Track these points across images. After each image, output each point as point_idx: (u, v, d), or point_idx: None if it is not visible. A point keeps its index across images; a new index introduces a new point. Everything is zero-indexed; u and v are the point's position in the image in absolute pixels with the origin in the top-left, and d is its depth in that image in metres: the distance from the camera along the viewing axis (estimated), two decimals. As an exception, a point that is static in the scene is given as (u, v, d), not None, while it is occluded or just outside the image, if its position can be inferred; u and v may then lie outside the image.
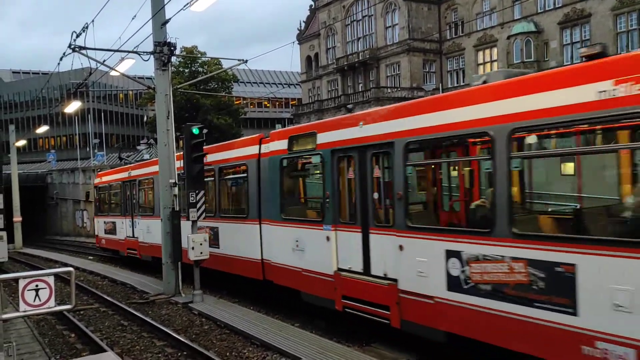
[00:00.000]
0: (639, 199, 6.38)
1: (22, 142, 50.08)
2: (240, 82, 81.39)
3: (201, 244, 13.43)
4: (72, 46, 14.01)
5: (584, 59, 6.42)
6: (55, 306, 6.06)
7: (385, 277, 8.81)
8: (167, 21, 14.54)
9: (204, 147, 13.72)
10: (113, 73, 17.74)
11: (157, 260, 16.99)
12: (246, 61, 17.55)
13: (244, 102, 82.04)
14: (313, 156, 10.89)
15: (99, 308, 14.16)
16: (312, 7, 60.89)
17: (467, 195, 8.90)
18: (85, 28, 13.90)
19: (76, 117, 72.60)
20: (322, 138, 10.31)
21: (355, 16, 53.55)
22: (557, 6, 40.41)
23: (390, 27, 50.51)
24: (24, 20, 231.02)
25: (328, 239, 10.02)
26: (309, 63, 61.55)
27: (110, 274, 19.38)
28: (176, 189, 14.78)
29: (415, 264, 8.13)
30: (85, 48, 14.15)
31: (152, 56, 14.68)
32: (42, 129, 56.33)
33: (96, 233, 26.49)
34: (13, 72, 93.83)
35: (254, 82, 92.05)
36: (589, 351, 5.87)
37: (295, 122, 60.24)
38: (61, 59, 14.99)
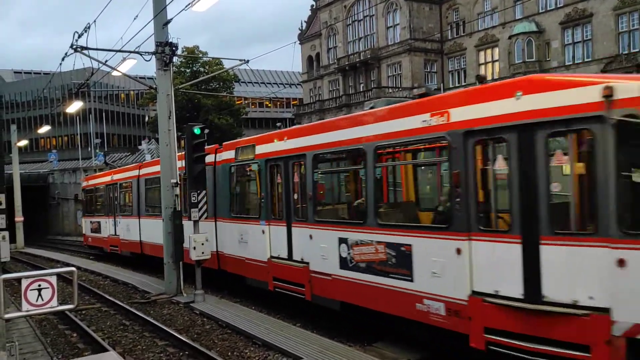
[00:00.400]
0: (444, 198, 8.90)
1: (23, 142, 50.15)
2: (242, 82, 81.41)
3: (203, 244, 13.46)
4: (74, 46, 14.04)
5: (416, 97, 9.02)
6: (57, 306, 6.06)
7: (301, 261, 11.05)
8: (168, 21, 14.56)
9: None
10: (115, 73, 17.77)
11: (136, 256, 20.87)
12: (247, 61, 17.56)
13: (245, 102, 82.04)
14: (253, 164, 12.95)
15: (100, 308, 14.18)
16: (313, 7, 60.87)
17: (351, 195, 11.21)
18: (87, 28, 13.93)
19: (78, 117, 72.64)
20: (260, 149, 12.56)
21: (357, 16, 53.54)
22: (558, 6, 40.36)
23: (391, 27, 50.49)
24: (25, 20, 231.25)
25: (263, 232, 12.07)
26: (310, 63, 61.53)
27: (112, 274, 19.42)
28: (177, 189, 14.81)
29: (320, 249, 10.48)
30: (87, 48, 14.17)
31: (153, 56, 14.71)
32: (44, 129, 56.34)
33: (84, 232, 28.81)
34: (15, 72, 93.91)
35: (255, 82, 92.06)
36: (420, 307, 8.13)
37: (297, 122, 60.24)
38: (63, 59, 15.03)
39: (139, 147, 65.59)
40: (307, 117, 57.86)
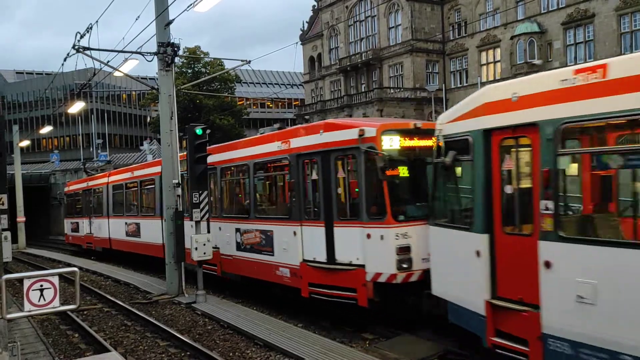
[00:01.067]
0: (289, 198, 12.07)
1: (25, 143, 50.20)
2: (243, 82, 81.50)
3: (204, 245, 13.45)
4: (76, 47, 14.04)
5: (275, 130, 13.25)
6: (59, 306, 6.06)
7: (215, 247, 14.28)
8: (170, 22, 14.57)
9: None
10: (117, 74, 17.78)
11: (106, 251, 25.19)
12: (249, 62, 17.56)
13: (247, 102, 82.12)
14: (213, 169, 15.04)
15: (102, 308, 14.19)
16: (315, 7, 60.90)
17: (244, 197, 14.53)
18: (89, 29, 13.94)
19: (79, 118, 72.84)
20: (215, 158, 14.74)
21: (358, 17, 53.54)
22: (560, 6, 40.33)
23: (393, 27, 50.49)
24: (28, 21, 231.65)
25: (192, 226, 14.06)
26: (312, 63, 61.56)
27: (114, 274, 19.43)
28: (179, 190, 14.82)
29: (226, 237, 14.42)
30: (89, 49, 14.18)
31: (155, 57, 14.71)
32: (46, 130, 56.46)
33: (65, 232, 32.88)
34: (17, 73, 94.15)
35: (256, 83, 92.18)
36: (278, 272, 12.16)
37: (298, 123, 60.27)
38: (65, 59, 15.04)
39: (141, 147, 65.67)
40: (309, 117, 57.87)
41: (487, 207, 7.24)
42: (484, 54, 46.15)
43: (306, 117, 55.43)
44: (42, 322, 12.53)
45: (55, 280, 5.97)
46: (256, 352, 9.60)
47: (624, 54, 36.04)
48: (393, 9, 50.14)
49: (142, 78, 35.82)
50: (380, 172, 9.51)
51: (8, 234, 10.77)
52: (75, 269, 6.54)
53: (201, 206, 13.63)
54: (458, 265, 7.88)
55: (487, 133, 7.24)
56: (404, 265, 9.41)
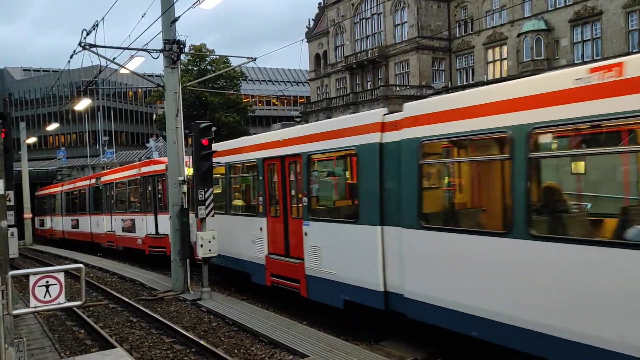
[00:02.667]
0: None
1: (32, 140, 50.39)
2: (249, 80, 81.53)
3: (210, 242, 13.47)
4: (83, 44, 14.08)
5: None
6: (65, 302, 6.07)
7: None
8: (176, 19, 14.58)
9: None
10: (123, 71, 17.82)
11: (61, 240, 34.36)
12: (255, 59, 17.56)
13: (252, 100, 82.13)
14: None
15: (108, 304, 14.23)
16: (321, 5, 60.82)
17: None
18: (95, 26, 13.96)
19: (86, 115, 73.03)
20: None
21: (364, 14, 53.43)
22: (567, 4, 40.11)
23: (399, 25, 50.36)
24: (38, 20, 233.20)
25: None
26: (318, 61, 61.50)
27: (119, 271, 19.49)
28: (185, 187, 14.84)
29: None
30: (95, 46, 14.21)
31: (161, 54, 14.72)
32: (53, 127, 56.68)
33: (36, 227, 40.73)
34: (24, 70, 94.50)
35: (262, 80, 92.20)
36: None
37: (303, 121, 60.24)
38: (71, 56, 15.08)
39: (147, 144, 65.86)
40: (314, 115, 57.83)
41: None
42: (490, 51, 45.97)
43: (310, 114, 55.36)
44: (48, 318, 12.59)
45: (61, 276, 5.98)
46: (261, 349, 9.62)
47: (631, 52, 35.83)
48: (399, 6, 50.00)
49: (148, 75, 35.87)
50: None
51: (15, 230, 10.80)
52: (81, 265, 6.55)
53: (206, 203, 13.65)
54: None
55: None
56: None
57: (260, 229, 12.85)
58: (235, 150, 14.35)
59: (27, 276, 6.14)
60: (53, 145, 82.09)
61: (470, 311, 7.29)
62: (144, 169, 21.13)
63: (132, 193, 22.42)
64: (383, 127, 9.04)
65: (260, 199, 12.96)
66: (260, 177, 12.90)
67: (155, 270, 18.96)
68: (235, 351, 9.59)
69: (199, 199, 13.59)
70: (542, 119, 6.45)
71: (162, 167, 19.00)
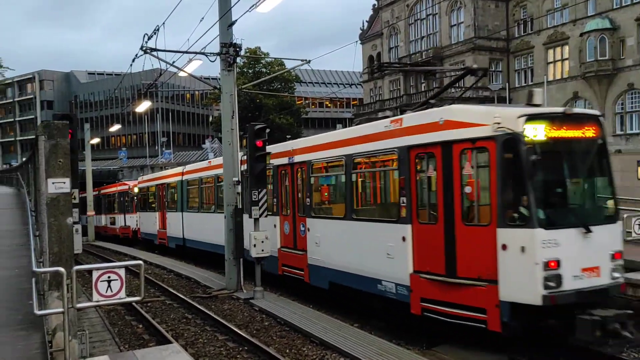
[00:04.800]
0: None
1: (96, 140, 52.59)
2: (303, 82, 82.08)
3: (262, 242, 13.64)
4: (144, 48, 14.56)
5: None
6: (125, 297, 6.29)
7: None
8: (233, 23, 14.85)
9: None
10: (181, 74, 18.32)
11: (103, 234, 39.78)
12: (309, 61, 17.67)
13: (306, 102, 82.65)
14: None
15: (164, 301, 14.64)
16: (375, 6, 60.54)
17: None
18: (156, 30, 14.41)
19: (146, 117, 75.58)
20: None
21: (419, 15, 52.78)
22: (634, 2, 38.22)
23: (455, 25, 49.45)
24: (107, 26, 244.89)
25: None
26: (371, 63, 61.22)
27: (176, 268, 20.03)
28: (239, 187, 15.09)
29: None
30: (156, 50, 14.68)
31: (218, 57, 15.04)
32: (115, 128, 58.90)
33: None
34: (89, 74, 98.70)
35: (315, 82, 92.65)
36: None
37: (356, 123, 60.10)
38: (133, 60, 15.61)
39: (203, 145, 67.44)
40: (367, 117, 57.61)
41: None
42: (550, 51, 44.40)
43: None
44: (108, 312, 13.07)
45: (122, 272, 6.20)
46: (312, 350, 9.64)
47: None
48: (455, 6, 49.09)
49: (205, 78, 36.70)
50: None
51: (79, 226, 11.30)
52: (140, 262, 6.77)
53: (260, 204, 13.82)
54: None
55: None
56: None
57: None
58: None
59: (89, 271, 6.40)
60: (115, 145, 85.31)
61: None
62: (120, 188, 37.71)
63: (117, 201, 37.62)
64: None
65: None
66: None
67: (209, 268, 19.37)
68: (287, 351, 9.66)
69: (253, 199, 13.78)
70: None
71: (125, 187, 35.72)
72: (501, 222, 8.16)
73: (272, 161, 14.24)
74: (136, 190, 32.31)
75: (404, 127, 10.14)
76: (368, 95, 62.13)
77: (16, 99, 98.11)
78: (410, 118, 10.24)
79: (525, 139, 8.10)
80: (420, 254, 9.56)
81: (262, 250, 13.64)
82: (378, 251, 10.55)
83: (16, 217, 18.69)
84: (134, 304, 12.92)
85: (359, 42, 59.73)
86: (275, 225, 14.94)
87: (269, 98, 60.03)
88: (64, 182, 6.52)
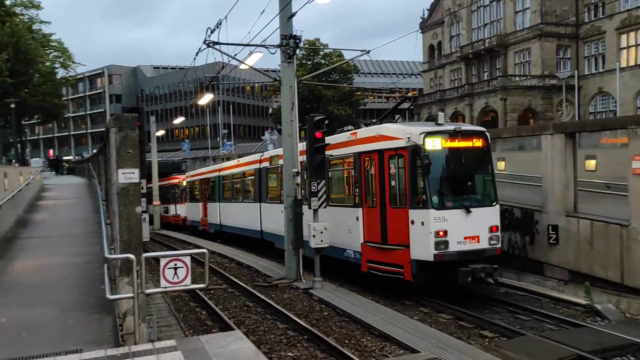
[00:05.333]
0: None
1: (161, 132, 54.37)
2: (361, 73, 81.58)
3: (322, 232, 13.72)
4: (207, 42, 14.88)
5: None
6: (190, 284, 6.50)
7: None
8: (293, 15, 14.93)
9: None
10: (242, 66, 18.61)
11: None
12: (368, 52, 17.52)
13: (365, 92, 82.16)
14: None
15: (226, 289, 15.02)
16: (436, -6, 59.24)
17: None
18: (218, 24, 14.69)
19: (208, 109, 77.40)
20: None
21: (482, 1, 51.19)
22: None
23: (520, 11, 47.64)
24: (172, 22, 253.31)
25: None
26: (432, 52, 60.09)
27: (237, 257, 20.48)
28: (299, 178, 15.21)
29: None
30: (218, 43, 14.96)
31: (278, 49, 15.17)
32: (179, 120, 60.63)
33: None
34: (154, 68, 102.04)
35: (374, 73, 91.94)
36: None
37: (415, 113, 59.21)
38: (197, 54, 16.00)
39: (262, 137, 68.45)
40: (427, 107, 56.64)
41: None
42: (624, 37, 42.03)
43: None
44: (173, 298, 13.55)
45: (188, 260, 6.40)
46: (371, 341, 9.64)
47: None
48: (520, -9, 47.29)
49: (264, 70, 37.17)
50: None
51: (147, 216, 11.75)
52: (205, 250, 6.96)
53: (319, 195, 13.90)
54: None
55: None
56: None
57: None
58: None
59: (156, 259, 6.65)
60: (178, 137, 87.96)
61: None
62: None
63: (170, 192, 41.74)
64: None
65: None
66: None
67: (269, 258, 19.70)
68: (346, 341, 9.70)
69: (312, 190, 13.89)
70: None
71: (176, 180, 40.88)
72: (411, 205, 12.06)
73: (280, 161, 18.11)
74: (184, 183, 36.61)
75: (357, 139, 14.05)
76: (428, 85, 61.05)
77: (87, 93, 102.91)
78: (362, 132, 14.15)
79: (425, 148, 11.79)
80: (367, 229, 13.45)
81: (322, 241, 13.73)
82: (344, 228, 14.26)
83: (88, 206, 19.67)
84: (197, 291, 13.33)
85: (419, 31, 58.73)
86: (282, 212, 16.32)
87: (327, 89, 60.07)
88: (134, 173, 6.77)
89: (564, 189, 13.72)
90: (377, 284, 13.70)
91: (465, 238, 11.84)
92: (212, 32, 14.74)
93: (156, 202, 39.14)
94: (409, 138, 12.04)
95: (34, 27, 49.25)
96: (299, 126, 16.17)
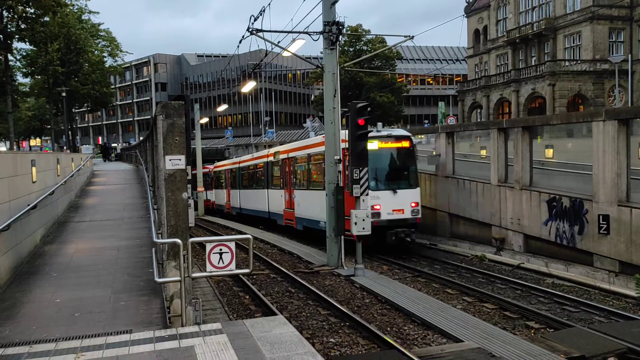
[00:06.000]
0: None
1: (205, 120, 55.18)
2: (404, 59, 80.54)
3: (364, 220, 13.70)
4: (250, 29, 14.95)
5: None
6: (235, 269, 6.61)
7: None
8: (336, 1, 14.81)
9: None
10: (284, 54, 18.65)
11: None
12: (412, 37, 17.24)
13: (407, 79, 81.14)
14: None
15: (269, 274, 15.20)
16: (482, -23, 57.67)
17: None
18: (262, 12, 14.74)
19: (250, 97, 78.12)
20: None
21: (530, -16, 49.59)
22: None
23: (570, -7, 45.95)
24: (219, 11, 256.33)
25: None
26: (477, 37, 58.70)
27: (279, 243, 20.70)
28: (341, 165, 15.20)
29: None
30: (261, 30, 15.01)
31: (321, 36, 15.11)
32: (222, 108, 61.43)
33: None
34: (198, 56, 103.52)
35: (417, 59, 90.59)
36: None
37: (460, 100, 58.10)
38: (240, 41, 16.09)
39: (304, 124, 68.62)
40: (471, 94, 55.48)
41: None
42: (682, 17, 40.01)
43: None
44: (218, 282, 13.82)
45: (232, 245, 6.51)
46: (413, 329, 9.60)
47: None
48: (571, -28, 45.56)
49: (306, 57, 37.16)
50: None
51: (192, 202, 12.01)
52: (249, 236, 7.05)
53: (361, 182, 13.85)
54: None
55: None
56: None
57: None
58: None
59: (201, 244, 6.79)
60: (222, 125, 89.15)
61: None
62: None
63: (203, 180, 40.58)
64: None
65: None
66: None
67: (310, 244, 19.83)
68: (388, 329, 9.69)
69: (354, 177, 13.85)
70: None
71: (207, 170, 41.82)
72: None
73: (280, 156, 23.42)
74: (213, 173, 41.21)
75: (307, 145, 20.74)
76: (473, 71, 59.77)
77: (134, 82, 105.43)
78: (309, 140, 21.36)
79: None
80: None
81: (363, 229, 13.70)
82: (318, 206, 17.97)
83: (136, 191, 20.23)
84: (241, 276, 13.55)
85: (465, 15, 57.44)
86: (281, 196, 23.15)
87: (370, 76, 59.59)
88: (180, 159, 6.90)
89: (616, 177, 13.23)
90: (418, 273, 13.57)
91: (393, 210, 16.71)
92: (255, 20, 14.80)
93: (200, 188, 39.88)
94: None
95: (83, 17, 50.64)
96: (341, 113, 16.11)
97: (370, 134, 14.65)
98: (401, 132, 18.94)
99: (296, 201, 21.36)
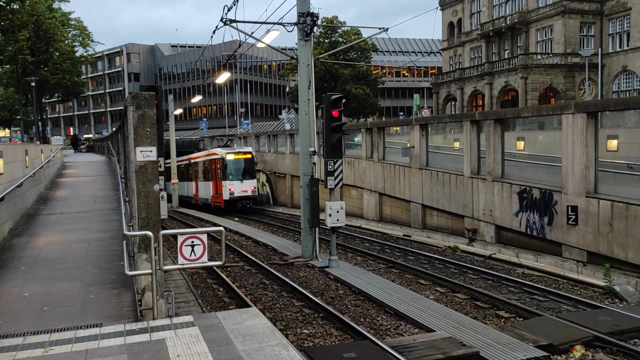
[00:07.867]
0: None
1: (179, 111, 54.53)
2: (379, 51, 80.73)
3: (338, 212, 13.75)
4: (224, 19, 14.81)
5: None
6: (207, 262, 6.57)
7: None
8: (310, -8, 14.75)
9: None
10: (259, 45, 18.52)
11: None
12: (387, 29, 17.29)
13: (382, 71, 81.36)
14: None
15: (243, 266, 15.17)
16: (457, -30, 57.99)
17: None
18: (235, 2, 14.59)
19: (225, 88, 77.40)
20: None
21: (504, -22, 50.06)
22: None
23: (543, -13, 46.53)
24: (198, 1, 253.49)
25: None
26: (451, 30, 59.13)
27: (254, 235, 20.65)
28: (315, 157, 15.21)
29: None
30: (235, 21, 14.88)
31: (295, 27, 15.05)
32: (196, 99, 60.73)
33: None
34: (172, 46, 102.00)
35: (393, 51, 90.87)
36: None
37: (434, 92, 58.54)
38: (214, 32, 15.94)
39: (279, 116, 68.37)
40: (446, 86, 55.95)
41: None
42: (650, 13, 40.87)
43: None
44: (191, 275, 13.73)
45: (204, 237, 6.47)
46: (386, 319, 9.70)
47: None
48: (544, -33, 46.12)
49: (281, 49, 36.94)
50: None
51: (165, 194, 11.87)
52: (222, 228, 7.02)
53: (335, 174, 13.89)
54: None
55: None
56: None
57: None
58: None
59: (174, 236, 6.73)
60: (196, 116, 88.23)
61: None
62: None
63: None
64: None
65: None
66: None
67: (286, 236, 19.83)
68: (362, 320, 9.77)
69: (329, 169, 13.88)
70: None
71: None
72: (222, 179, 30.81)
73: (192, 160, 36.30)
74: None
75: (209, 152, 34.42)
76: (447, 64, 60.23)
77: (106, 72, 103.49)
78: (212, 150, 35.24)
79: (226, 159, 30.54)
80: (212, 190, 32.67)
81: (338, 220, 13.76)
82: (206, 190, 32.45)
83: (108, 183, 19.93)
84: (215, 268, 13.49)
85: (439, 8, 57.73)
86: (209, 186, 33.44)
87: (345, 68, 59.58)
88: (151, 151, 6.80)
89: (584, 169, 13.53)
90: (393, 265, 13.65)
91: (241, 191, 30.26)
92: (229, 10, 14.67)
93: (174, 180, 39.47)
94: (221, 154, 30.81)
95: (54, 5, 49.46)
96: (316, 105, 16.09)
97: (227, 151, 30.66)
98: (247, 148, 33.15)
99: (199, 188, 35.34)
